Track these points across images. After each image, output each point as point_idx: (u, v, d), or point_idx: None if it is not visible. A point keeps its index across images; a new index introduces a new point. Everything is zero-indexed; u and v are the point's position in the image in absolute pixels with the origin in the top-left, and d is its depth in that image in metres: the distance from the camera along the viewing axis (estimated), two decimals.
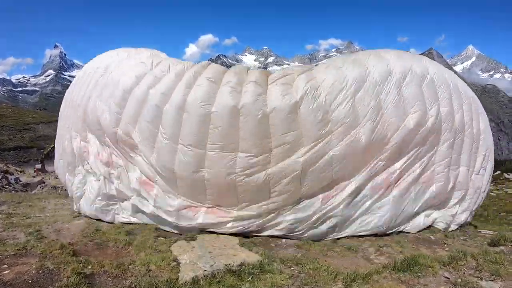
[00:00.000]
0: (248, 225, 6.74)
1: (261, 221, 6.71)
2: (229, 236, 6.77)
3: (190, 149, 6.42)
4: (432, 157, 7.34)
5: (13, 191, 17.37)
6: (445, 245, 6.47)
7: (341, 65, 6.85)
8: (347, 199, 6.65)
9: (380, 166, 6.84)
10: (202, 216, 6.77)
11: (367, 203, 6.81)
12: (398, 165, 6.97)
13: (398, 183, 7.01)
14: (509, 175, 39.17)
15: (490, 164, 8.70)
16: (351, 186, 6.67)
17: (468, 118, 7.86)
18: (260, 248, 6.07)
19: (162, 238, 6.62)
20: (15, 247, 5.71)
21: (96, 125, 7.75)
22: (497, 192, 29.90)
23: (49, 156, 31.75)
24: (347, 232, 6.88)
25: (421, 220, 7.42)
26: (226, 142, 6.30)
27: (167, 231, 7.15)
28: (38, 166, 27.78)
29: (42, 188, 18.34)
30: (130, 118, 7.05)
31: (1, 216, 8.37)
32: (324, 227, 6.73)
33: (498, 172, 41.55)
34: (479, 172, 8.29)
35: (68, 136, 8.76)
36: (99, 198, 7.90)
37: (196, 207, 6.83)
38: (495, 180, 37.57)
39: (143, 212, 7.42)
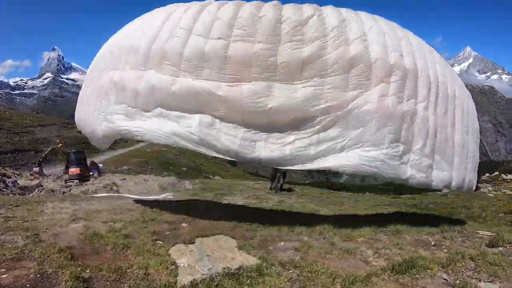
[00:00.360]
0: (264, 101, 7.64)
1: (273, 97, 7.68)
2: (227, 239, 6.77)
3: (217, 40, 7.79)
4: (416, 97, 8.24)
5: (10, 194, 17.31)
6: (443, 246, 6.46)
7: (341, 11, 8.29)
8: (348, 108, 7.70)
9: (373, 87, 7.88)
10: (223, 88, 7.72)
11: (367, 117, 7.70)
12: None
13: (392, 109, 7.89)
14: (507, 176, 39.18)
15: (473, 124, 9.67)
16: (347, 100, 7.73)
17: (442, 79, 8.76)
18: (258, 251, 6.06)
19: (160, 242, 6.61)
20: (13, 251, 5.68)
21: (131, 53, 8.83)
22: (495, 193, 29.85)
23: (47, 159, 31.68)
24: (352, 138, 7.70)
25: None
26: (247, 36, 7.74)
27: (165, 235, 7.15)
28: (36, 169, 27.57)
29: (40, 192, 18.27)
30: (166, 34, 8.26)
31: None
32: (332, 133, 7.71)
33: (496, 173, 41.60)
34: (464, 131, 9.12)
35: (106, 72, 9.65)
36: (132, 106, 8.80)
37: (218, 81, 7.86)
38: (493, 181, 37.59)
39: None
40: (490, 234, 7.39)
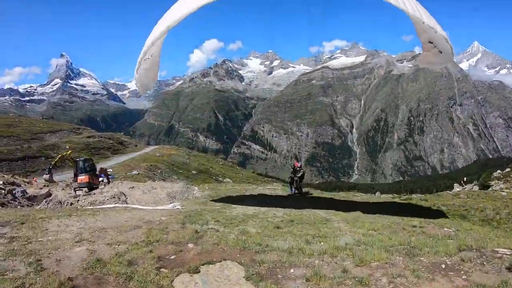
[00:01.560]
0: None
1: None
2: (234, 266, 6.49)
3: None
4: None
5: (18, 206, 17.27)
6: (462, 272, 6.06)
7: None
8: None
9: None
10: None
11: None
12: None
13: None
14: None
15: None
16: None
17: None
18: (266, 283, 5.74)
19: (164, 270, 6.35)
20: (13, 283, 5.54)
21: None
22: (508, 191, 29.18)
23: (57, 165, 31.75)
24: None
25: None
26: None
27: (170, 260, 6.91)
28: (46, 176, 27.59)
29: (48, 203, 18.17)
30: None
31: (3, 241, 8.17)
32: None
33: (508, 169, 40.83)
34: None
35: None
36: None
37: None
38: (505, 178, 36.83)
39: None
40: (509, 253, 7.01)
